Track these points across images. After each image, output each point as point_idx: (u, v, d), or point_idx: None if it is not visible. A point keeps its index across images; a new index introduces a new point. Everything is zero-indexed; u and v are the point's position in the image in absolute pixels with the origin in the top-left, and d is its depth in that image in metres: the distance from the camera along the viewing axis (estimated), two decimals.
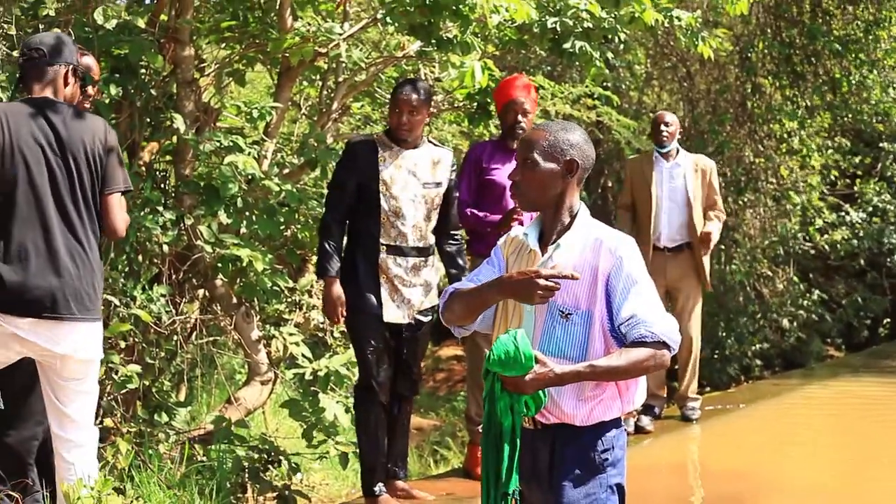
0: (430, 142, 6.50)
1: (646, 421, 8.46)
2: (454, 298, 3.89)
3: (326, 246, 6.30)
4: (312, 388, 6.91)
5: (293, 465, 6.96)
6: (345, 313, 6.29)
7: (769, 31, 14.53)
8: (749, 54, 14.55)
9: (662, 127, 8.52)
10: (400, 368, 6.47)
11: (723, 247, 14.12)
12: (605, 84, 12.69)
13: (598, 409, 3.70)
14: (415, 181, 6.29)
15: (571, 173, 3.74)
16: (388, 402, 6.42)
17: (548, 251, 3.72)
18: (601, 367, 3.55)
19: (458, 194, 6.80)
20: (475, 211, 6.88)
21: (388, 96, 9.10)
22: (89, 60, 5.42)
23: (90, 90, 5.40)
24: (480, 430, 6.84)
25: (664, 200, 8.46)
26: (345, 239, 6.43)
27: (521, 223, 6.79)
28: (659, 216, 8.46)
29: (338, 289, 6.26)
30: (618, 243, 3.68)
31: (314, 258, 8.11)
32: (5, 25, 6.17)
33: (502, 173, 6.87)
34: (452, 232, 6.64)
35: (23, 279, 4.64)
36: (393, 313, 6.29)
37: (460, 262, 6.63)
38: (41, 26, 6.42)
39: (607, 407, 3.72)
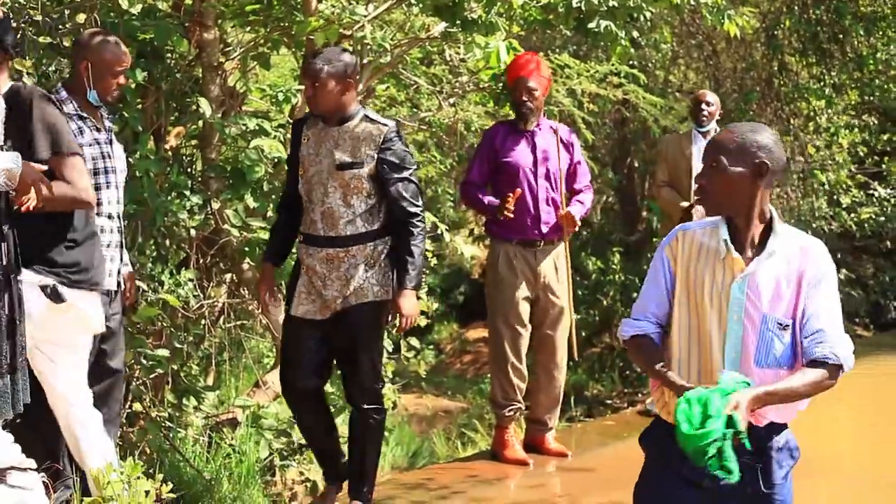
0: (366, 116, 5.67)
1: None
2: (636, 349, 3.74)
3: (271, 230, 6.11)
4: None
5: None
6: (267, 300, 5.90)
7: (796, 8, 14.41)
8: (775, 32, 14.43)
9: (703, 106, 8.50)
10: (345, 372, 5.86)
11: None
12: (630, 63, 12.60)
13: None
14: (328, 161, 5.59)
15: (762, 176, 3.56)
16: (321, 406, 5.94)
17: (756, 260, 3.55)
18: (781, 391, 3.44)
19: (466, 175, 6.87)
20: (478, 193, 6.89)
21: (414, 78, 9.09)
22: (120, 49, 5.38)
23: (122, 80, 5.38)
24: (507, 414, 6.92)
25: None
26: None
27: (511, 213, 6.77)
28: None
29: (265, 275, 5.92)
30: (823, 253, 3.59)
31: None
32: (31, 11, 6.16)
33: (517, 154, 6.89)
34: (405, 219, 5.63)
35: None
36: (303, 308, 5.67)
37: (410, 258, 5.61)
38: (66, 11, 6.42)
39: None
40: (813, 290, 3.53)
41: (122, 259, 5.45)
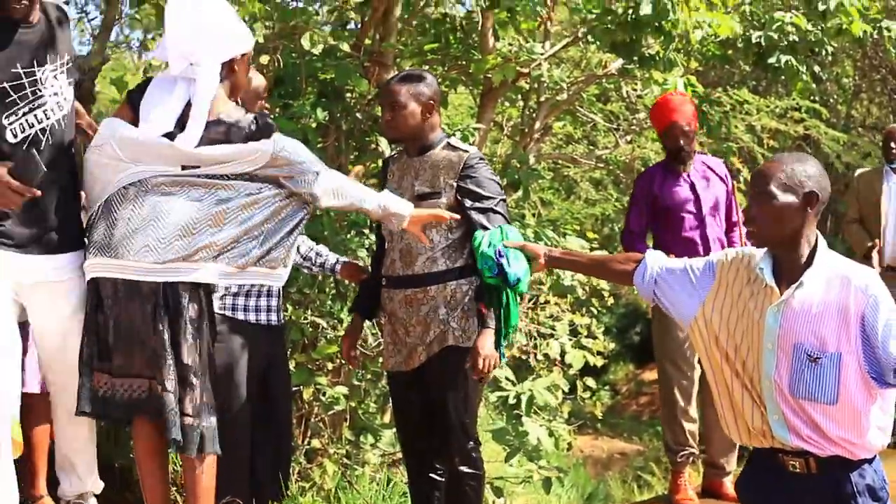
0: (449, 144, 5.04)
1: None
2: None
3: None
4: (516, 412, 6.86)
5: (496, 488, 6.92)
6: (351, 354, 5.33)
7: None
8: None
9: (893, 143, 8.24)
10: (436, 429, 5.09)
11: None
12: (812, 97, 12.36)
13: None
14: (409, 194, 4.97)
15: (811, 206, 3.56)
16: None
17: (789, 290, 3.55)
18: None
19: (625, 223, 6.63)
20: (639, 244, 6.67)
21: (591, 115, 9.05)
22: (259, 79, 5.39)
23: (262, 103, 5.38)
24: (679, 459, 6.76)
25: (892, 216, 8.16)
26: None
27: (689, 240, 6.61)
28: (887, 232, 8.16)
29: (351, 326, 5.40)
30: (867, 280, 3.50)
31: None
32: None
33: (678, 198, 6.68)
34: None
35: None
36: (392, 360, 5.09)
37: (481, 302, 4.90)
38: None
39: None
40: (873, 321, 3.43)
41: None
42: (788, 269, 3.59)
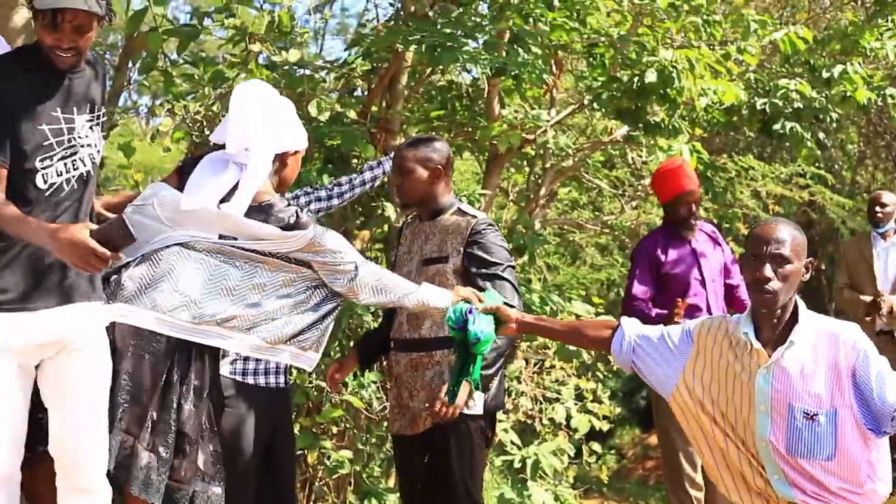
0: (459, 209, 5.01)
1: None
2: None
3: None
4: (521, 476, 6.86)
5: None
6: (336, 377, 5.26)
7: None
8: None
9: (877, 208, 8.27)
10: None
11: None
12: (816, 164, 12.43)
13: None
14: (418, 258, 4.99)
15: (808, 272, 3.71)
16: None
17: (777, 350, 3.60)
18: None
19: (627, 289, 6.59)
20: (644, 308, 6.62)
21: (596, 181, 9.10)
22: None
23: None
24: None
25: (886, 282, 8.17)
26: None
27: (696, 307, 6.59)
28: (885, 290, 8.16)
29: (347, 356, 5.36)
30: (854, 336, 3.57)
31: (523, 344, 8.10)
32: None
33: (682, 264, 6.65)
34: None
35: None
36: (397, 424, 5.04)
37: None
38: None
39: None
40: (864, 374, 3.50)
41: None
42: (769, 331, 3.65)
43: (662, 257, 6.61)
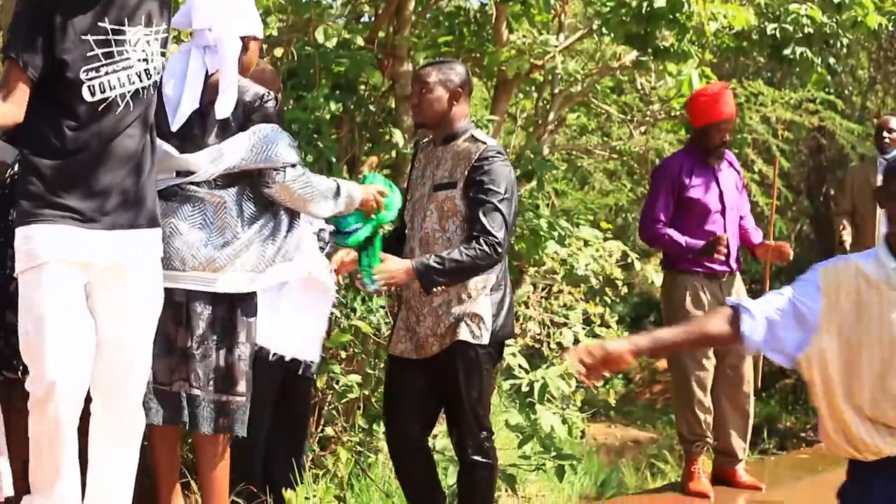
0: (472, 136, 4.97)
1: None
2: None
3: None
4: (529, 400, 6.91)
5: (508, 475, 6.97)
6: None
7: None
8: None
9: (885, 133, 8.26)
10: (448, 421, 5.20)
11: None
12: (826, 89, 12.37)
13: None
14: (430, 183, 4.99)
15: None
16: (423, 456, 5.29)
17: None
18: None
19: (648, 211, 6.58)
20: (672, 233, 6.59)
21: (605, 107, 9.08)
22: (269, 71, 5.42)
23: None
24: (694, 449, 6.79)
25: None
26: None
27: (728, 254, 6.58)
28: (881, 223, 8.16)
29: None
30: None
31: (531, 269, 8.13)
32: None
33: (705, 191, 6.62)
34: (478, 235, 4.79)
35: None
36: (401, 346, 5.07)
37: (451, 257, 4.76)
38: (265, 46, 6.62)
39: None
40: None
41: None
42: None
43: (686, 181, 6.56)
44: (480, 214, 4.76)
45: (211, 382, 4.36)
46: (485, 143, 4.93)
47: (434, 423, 5.31)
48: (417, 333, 4.98)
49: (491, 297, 4.94)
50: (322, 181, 4.54)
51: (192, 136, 4.29)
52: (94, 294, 3.92)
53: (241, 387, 4.41)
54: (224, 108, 4.24)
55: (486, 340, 4.90)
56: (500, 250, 4.79)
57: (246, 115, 4.32)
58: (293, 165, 4.39)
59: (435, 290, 4.81)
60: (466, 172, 4.85)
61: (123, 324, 3.96)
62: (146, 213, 3.99)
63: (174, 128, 4.24)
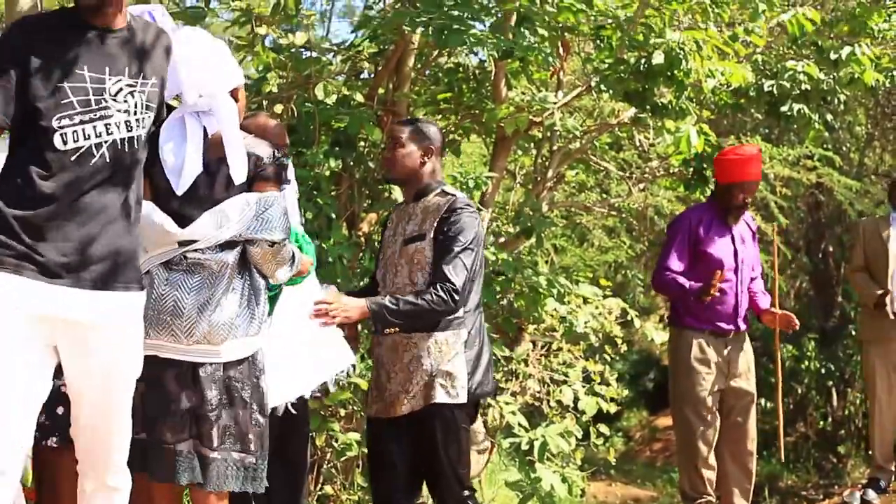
0: (443, 191, 5.03)
1: (872, 495, 8.10)
2: None
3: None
4: (529, 458, 6.87)
5: None
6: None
7: None
8: None
9: None
10: (427, 480, 5.09)
11: None
12: (824, 145, 12.40)
13: None
14: (401, 239, 5.01)
15: None
16: None
17: None
18: None
19: (661, 260, 6.62)
20: (677, 276, 6.60)
21: (603, 164, 9.09)
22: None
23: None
24: None
25: None
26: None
27: (723, 291, 6.57)
28: (894, 279, 8.09)
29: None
30: None
31: (530, 327, 8.10)
32: None
33: (721, 246, 6.63)
34: (437, 281, 4.80)
35: None
36: (375, 406, 5.03)
37: (408, 300, 4.78)
38: (265, 102, 6.63)
39: None
40: None
41: None
42: None
43: (702, 234, 6.60)
44: (442, 262, 4.80)
45: (227, 441, 4.31)
46: (454, 195, 4.99)
47: (421, 483, 5.17)
48: (388, 390, 4.92)
49: (465, 354, 4.91)
50: (291, 248, 4.52)
51: (199, 197, 4.24)
52: (61, 352, 3.76)
53: (255, 445, 4.36)
54: (238, 172, 4.17)
55: (462, 399, 4.88)
56: (456, 297, 4.78)
57: (250, 174, 4.29)
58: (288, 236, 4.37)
59: (406, 344, 4.85)
60: (436, 224, 4.89)
61: (89, 385, 3.80)
62: (123, 275, 3.80)
63: (179, 192, 4.16)
